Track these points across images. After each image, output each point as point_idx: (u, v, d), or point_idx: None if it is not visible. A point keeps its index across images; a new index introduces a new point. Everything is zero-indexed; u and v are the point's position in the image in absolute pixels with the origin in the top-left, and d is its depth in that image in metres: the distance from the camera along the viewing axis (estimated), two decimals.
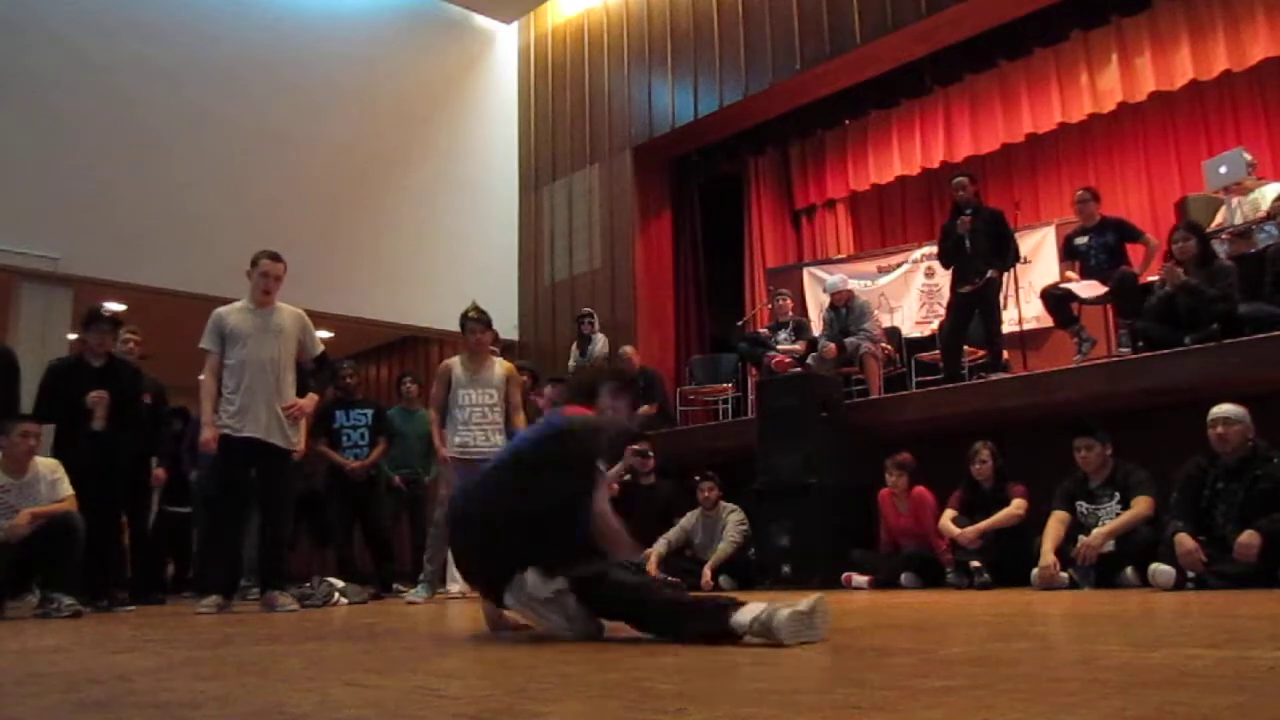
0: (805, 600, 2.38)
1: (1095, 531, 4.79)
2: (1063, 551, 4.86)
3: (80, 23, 7.84)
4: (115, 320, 5.78)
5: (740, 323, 8.92)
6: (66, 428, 5.25)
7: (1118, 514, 4.83)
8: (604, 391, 3.07)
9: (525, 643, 2.78)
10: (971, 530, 5.29)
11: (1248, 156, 6.56)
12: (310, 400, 5.07)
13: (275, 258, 5.00)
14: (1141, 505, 4.77)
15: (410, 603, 5.40)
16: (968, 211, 6.65)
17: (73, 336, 7.04)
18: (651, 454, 7.05)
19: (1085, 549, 4.74)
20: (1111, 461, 4.99)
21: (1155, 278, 5.93)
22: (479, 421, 5.63)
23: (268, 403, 4.84)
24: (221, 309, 5.02)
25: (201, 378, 4.97)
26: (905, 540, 5.96)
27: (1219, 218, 6.58)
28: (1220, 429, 4.41)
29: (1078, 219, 6.65)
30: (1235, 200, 6.53)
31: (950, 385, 6.54)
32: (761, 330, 8.32)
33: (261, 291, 4.95)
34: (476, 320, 5.72)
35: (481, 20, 10.53)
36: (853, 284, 8.24)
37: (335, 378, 6.78)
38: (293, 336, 5.02)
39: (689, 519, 6.66)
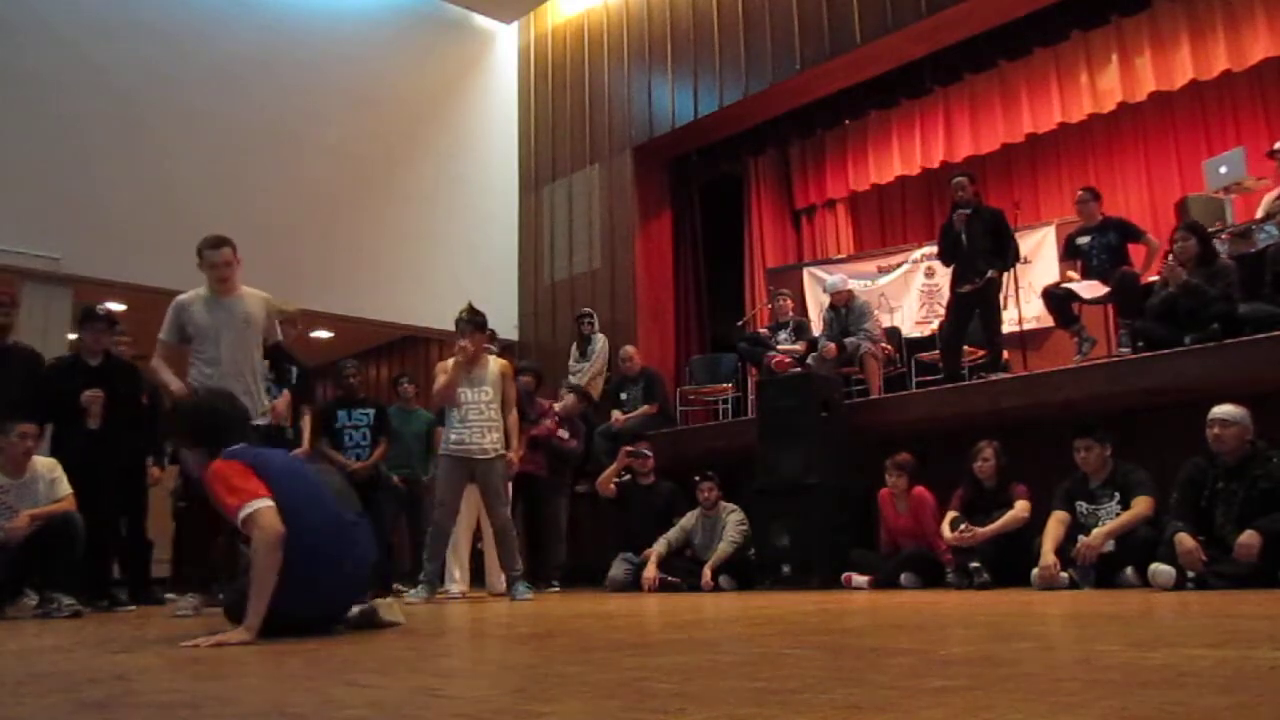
0: None
1: (1095, 531, 4.78)
2: (1063, 551, 4.86)
3: (80, 22, 7.83)
4: (111, 319, 5.72)
5: (740, 323, 8.92)
6: (63, 427, 5.23)
7: (1118, 514, 4.83)
8: None
9: (525, 643, 2.78)
10: (973, 539, 5.26)
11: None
12: (284, 402, 5.07)
13: (216, 244, 4.67)
14: (1141, 505, 4.77)
15: (410, 603, 5.40)
16: (965, 209, 6.65)
17: (73, 336, 7.02)
18: (651, 454, 7.06)
19: (1085, 549, 4.74)
20: (1111, 462, 4.99)
21: (1156, 278, 5.93)
22: (475, 419, 5.64)
23: (247, 392, 4.61)
24: (183, 298, 4.74)
25: (153, 364, 4.71)
26: (905, 540, 5.96)
27: (1260, 212, 6.52)
28: (1217, 430, 4.41)
29: (1079, 219, 6.65)
30: (1261, 200, 6.49)
31: (950, 385, 6.53)
32: (761, 330, 8.32)
33: (217, 280, 4.68)
34: (467, 323, 5.73)
35: (481, 20, 10.52)
36: (853, 284, 8.24)
37: (292, 358, 6.67)
38: (260, 324, 4.82)
39: (689, 519, 6.66)
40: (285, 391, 5.34)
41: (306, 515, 2.97)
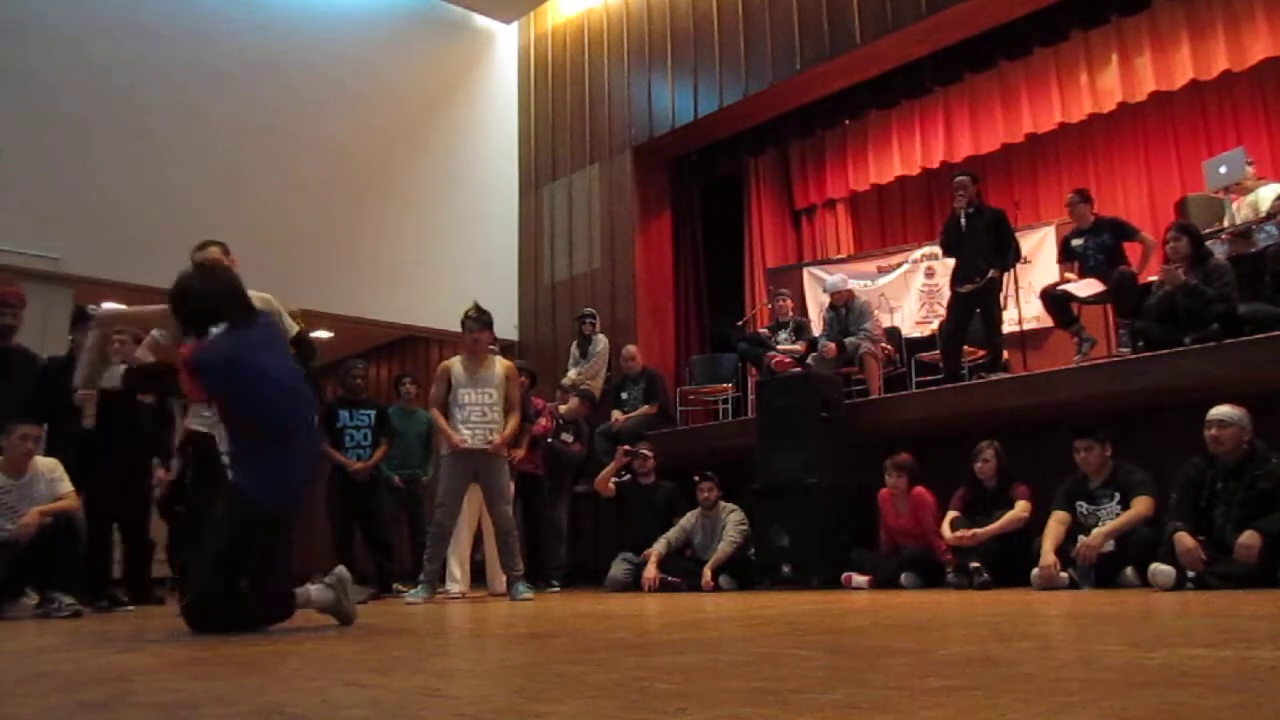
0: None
1: (1095, 532, 4.79)
2: (1063, 552, 4.86)
3: (80, 23, 7.82)
4: None
5: (740, 323, 8.92)
6: (57, 427, 5.21)
7: (1118, 514, 4.83)
8: None
9: (525, 643, 2.78)
10: (973, 540, 5.26)
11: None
12: None
13: (200, 246, 4.96)
14: (1141, 505, 4.77)
15: (410, 603, 5.41)
16: (968, 206, 6.64)
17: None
18: (651, 454, 7.06)
19: (1085, 549, 4.74)
20: (1111, 462, 4.99)
21: (1155, 278, 5.94)
22: (478, 420, 5.64)
23: None
24: None
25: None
26: (905, 540, 5.96)
27: (1225, 221, 6.58)
28: (1214, 431, 4.41)
29: (1071, 221, 6.65)
30: (1235, 202, 6.53)
31: (950, 385, 6.53)
32: (761, 330, 8.31)
33: None
34: (474, 320, 5.74)
35: (481, 20, 10.52)
36: (853, 284, 8.24)
37: (313, 353, 6.69)
38: None
39: (689, 519, 6.66)
40: None
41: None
